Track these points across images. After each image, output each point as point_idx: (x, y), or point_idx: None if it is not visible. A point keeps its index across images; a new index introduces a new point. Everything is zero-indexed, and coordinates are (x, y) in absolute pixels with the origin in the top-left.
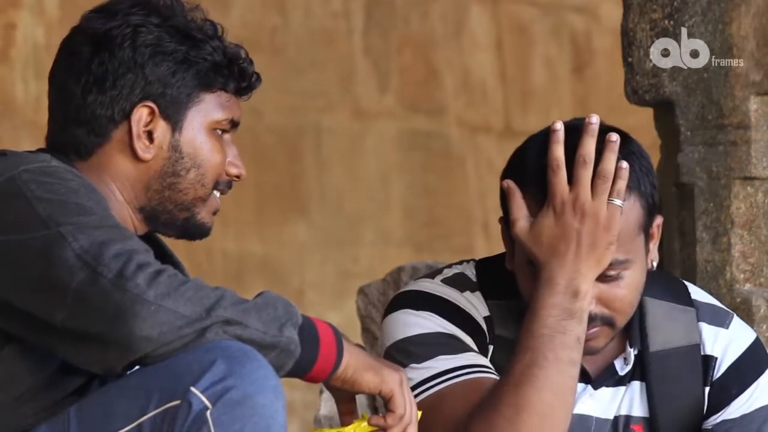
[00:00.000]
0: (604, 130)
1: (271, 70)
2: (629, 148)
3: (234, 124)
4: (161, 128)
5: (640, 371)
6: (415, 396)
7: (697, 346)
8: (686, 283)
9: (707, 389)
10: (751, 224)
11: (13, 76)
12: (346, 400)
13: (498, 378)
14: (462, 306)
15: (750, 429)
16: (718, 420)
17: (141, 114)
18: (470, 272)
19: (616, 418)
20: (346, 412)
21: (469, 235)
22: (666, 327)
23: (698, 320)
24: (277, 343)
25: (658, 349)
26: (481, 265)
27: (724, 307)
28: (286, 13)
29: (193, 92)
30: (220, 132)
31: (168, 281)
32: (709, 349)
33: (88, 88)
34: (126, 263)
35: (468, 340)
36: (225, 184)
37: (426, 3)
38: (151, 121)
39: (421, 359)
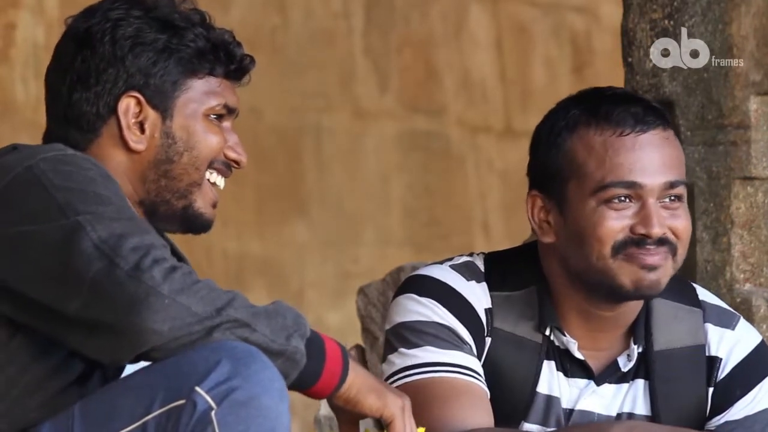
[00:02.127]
0: (644, 101)
1: (271, 70)
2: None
3: (230, 110)
4: (151, 118)
5: (644, 369)
6: (394, 382)
7: (702, 347)
8: (694, 284)
9: (711, 390)
10: (751, 224)
11: (13, 76)
12: (349, 423)
13: (480, 383)
14: (465, 296)
15: (753, 430)
16: (721, 421)
17: (127, 105)
18: (479, 263)
19: (619, 416)
20: None
21: (469, 235)
22: (671, 326)
23: (705, 321)
24: (283, 351)
25: (662, 348)
26: (490, 257)
27: (731, 309)
28: (286, 13)
29: (178, 79)
30: (215, 117)
31: (183, 278)
32: (714, 350)
33: (72, 86)
34: (143, 256)
35: (464, 332)
36: (221, 163)
37: (426, 3)
38: (140, 112)
39: (410, 345)
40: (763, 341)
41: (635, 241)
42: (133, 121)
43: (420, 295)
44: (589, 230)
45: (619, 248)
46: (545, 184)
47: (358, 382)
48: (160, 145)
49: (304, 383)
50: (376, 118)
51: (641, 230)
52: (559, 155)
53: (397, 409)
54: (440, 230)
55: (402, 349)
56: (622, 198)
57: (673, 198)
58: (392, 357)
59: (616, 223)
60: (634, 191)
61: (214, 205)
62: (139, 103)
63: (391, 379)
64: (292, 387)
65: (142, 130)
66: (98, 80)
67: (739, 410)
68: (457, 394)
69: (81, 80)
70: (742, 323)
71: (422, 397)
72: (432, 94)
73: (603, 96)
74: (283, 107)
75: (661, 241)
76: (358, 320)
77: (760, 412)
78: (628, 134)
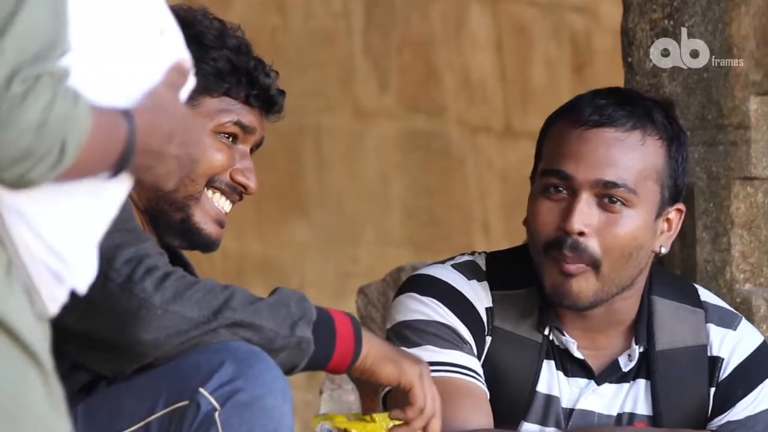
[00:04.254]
0: (624, 98)
1: None
2: (677, 123)
3: (245, 129)
4: None
5: (645, 369)
6: None
7: (704, 347)
8: (696, 285)
9: (712, 390)
10: (751, 224)
11: None
12: (371, 394)
13: (480, 383)
14: (466, 295)
15: (755, 431)
16: (723, 421)
17: None
18: (481, 262)
19: (620, 416)
20: (370, 407)
21: (469, 234)
22: (673, 327)
23: (707, 321)
24: (287, 343)
25: (664, 348)
26: (492, 256)
27: (733, 310)
28: (286, 13)
29: (191, 94)
30: (226, 137)
31: (175, 285)
32: (716, 350)
33: None
34: (135, 268)
35: (464, 331)
36: (225, 184)
37: (426, 3)
38: None
39: (410, 345)
40: (764, 342)
41: (557, 242)
42: None
43: (421, 294)
44: (530, 218)
45: (548, 248)
46: (532, 171)
47: (373, 353)
48: None
49: (317, 365)
50: (376, 118)
51: (561, 224)
52: (538, 143)
53: (415, 376)
54: (440, 230)
55: (403, 348)
56: (558, 188)
57: (613, 200)
58: None
59: (547, 216)
60: (567, 183)
61: (219, 224)
62: None
63: None
64: (306, 369)
65: None
66: None
67: (741, 410)
68: (456, 393)
69: None
70: (744, 324)
71: None
72: (432, 94)
73: (597, 90)
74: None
75: (579, 248)
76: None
77: (761, 412)
78: (580, 126)
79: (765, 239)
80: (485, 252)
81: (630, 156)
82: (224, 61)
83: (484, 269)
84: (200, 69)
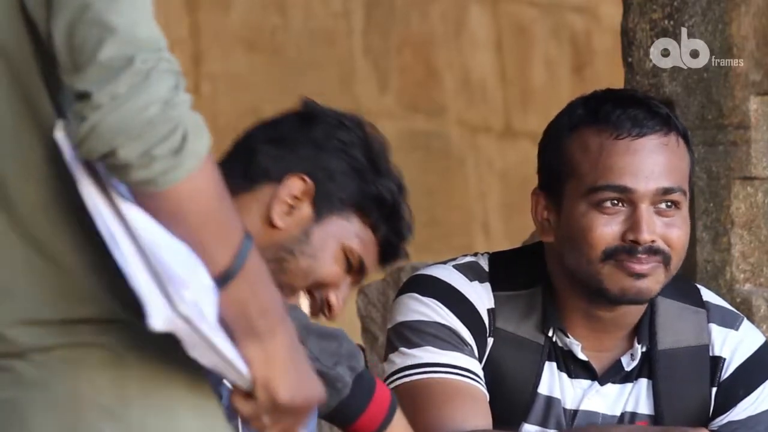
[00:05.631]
0: (648, 104)
1: (271, 70)
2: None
3: (360, 268)
4: (305, 209)
5: (647, 369)
6: (393, 381)
7: (706, 347)
8: (698, 285)
9: (714, 390)
10: (751, 224)
11: None
12: None
13: (479, 385)
14: (467, 296)
15: (756, 431)
16: (724, 421)
17: (294, 183)
18: (483, 263)
19: (623, 415)
20: None
21: (469, 235)
22: (676, 326)
23: (709, 321)
24: (324, 373)
25: (666, 347)
26: (495, 257)
27: (735, 310)
28: (286, 13)
29: (346, 202)
30: (346, 259)
31: None
32: (718, 350)
33: (268, 139)
34: None
35: (465, 333)
36: (320, 298)
37: (426, 3)
38: (299, 197)
39: (411, 345)
40: (766, 342)
41: (626, 249)
42: (289, 200)
43: (422, 295)
44: (580, 233)
45: (610, 254)
46: (548, 183)
47: None
48: (294, 236)
49: (345, 416)
50: (376, 118)
51: (630, 236)
52: (559, 154)
53: None
54: (440, 230)
55: (403, 349)
56: (614, 202)
57: (669, 204)
58: (393, 356)
59: (606, 229)
60: (626, 196)
61: None
62: (306, 192)
63: (391, 379)
64: (331, 419)
65: (290, 213)
66: (292, 149)
67: (743, 410)
68: (455, 395)
69: (279, 139)
70: (746, 324)
71: (421, 397)
72: (432, 94)
73: (609, 97)
74: (283, 107)
75: (653, 250)
76: (358, 320)
77: (763, 412)
78: (624, 138)
79: (765, 239)
80: (488, 253)
81: (674, 159)
82: (388, 193)
83: (487, 270)
84: (363, 187)
